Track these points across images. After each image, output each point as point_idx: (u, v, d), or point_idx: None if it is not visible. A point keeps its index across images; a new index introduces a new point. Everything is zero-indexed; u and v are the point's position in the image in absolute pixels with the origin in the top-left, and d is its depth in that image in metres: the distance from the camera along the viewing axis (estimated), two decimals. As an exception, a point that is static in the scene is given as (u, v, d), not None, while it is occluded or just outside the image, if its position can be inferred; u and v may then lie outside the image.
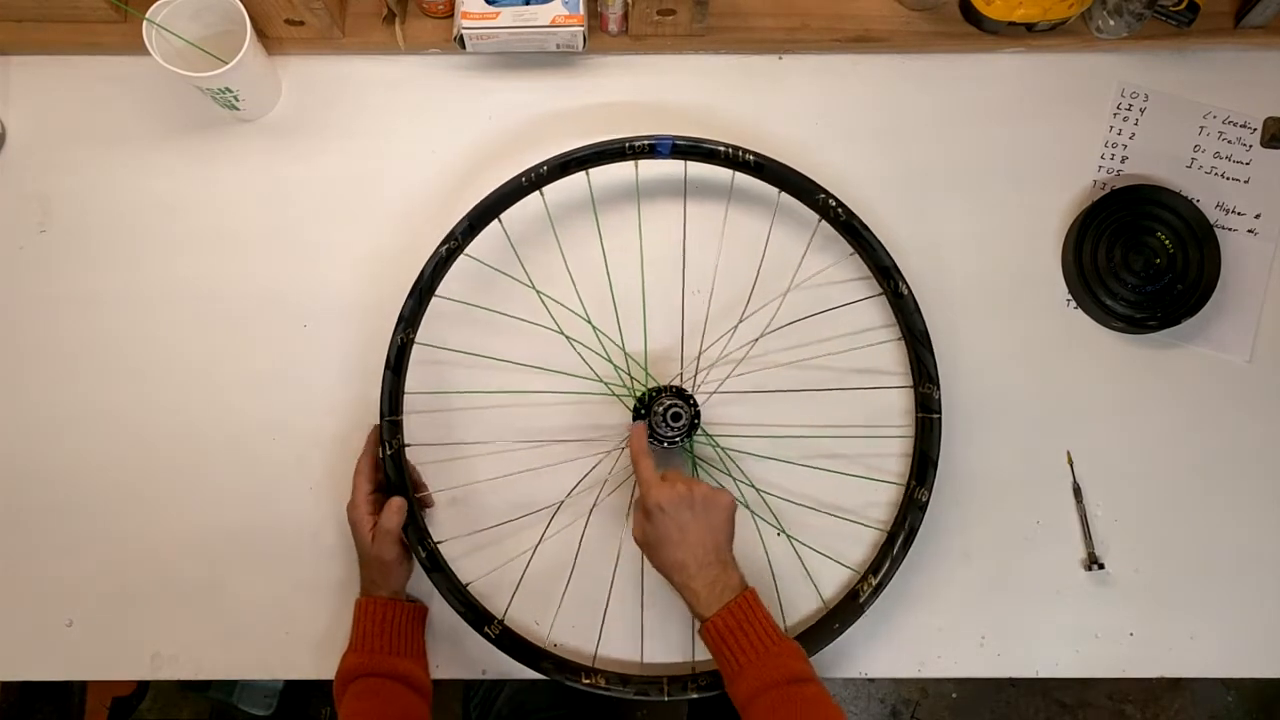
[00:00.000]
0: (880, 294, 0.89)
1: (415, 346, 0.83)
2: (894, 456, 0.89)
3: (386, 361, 0.81)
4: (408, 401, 0.83)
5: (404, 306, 0.82)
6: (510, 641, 0.82)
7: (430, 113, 0.94)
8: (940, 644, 0.87)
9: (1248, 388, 0.91)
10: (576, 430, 0.88)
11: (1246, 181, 0.94)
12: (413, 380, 0.84)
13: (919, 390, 0.86)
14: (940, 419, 0.85)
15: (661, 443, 0.83)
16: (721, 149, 0.84)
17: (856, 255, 0.88)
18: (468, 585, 0.84)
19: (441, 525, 0.86)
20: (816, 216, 0.87)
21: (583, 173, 0.85)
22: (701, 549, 0.75)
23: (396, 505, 0.79)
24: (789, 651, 0.73)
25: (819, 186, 0.85)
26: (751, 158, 0.84)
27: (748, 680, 0.71)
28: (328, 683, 0.80)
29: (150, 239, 0.92)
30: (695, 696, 0.81)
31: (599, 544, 0.86)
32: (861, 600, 0.82)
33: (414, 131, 0.94)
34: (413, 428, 0.85)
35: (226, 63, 0.83)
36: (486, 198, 0.83)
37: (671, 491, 0.75)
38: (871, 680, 1.60)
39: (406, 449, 0.83)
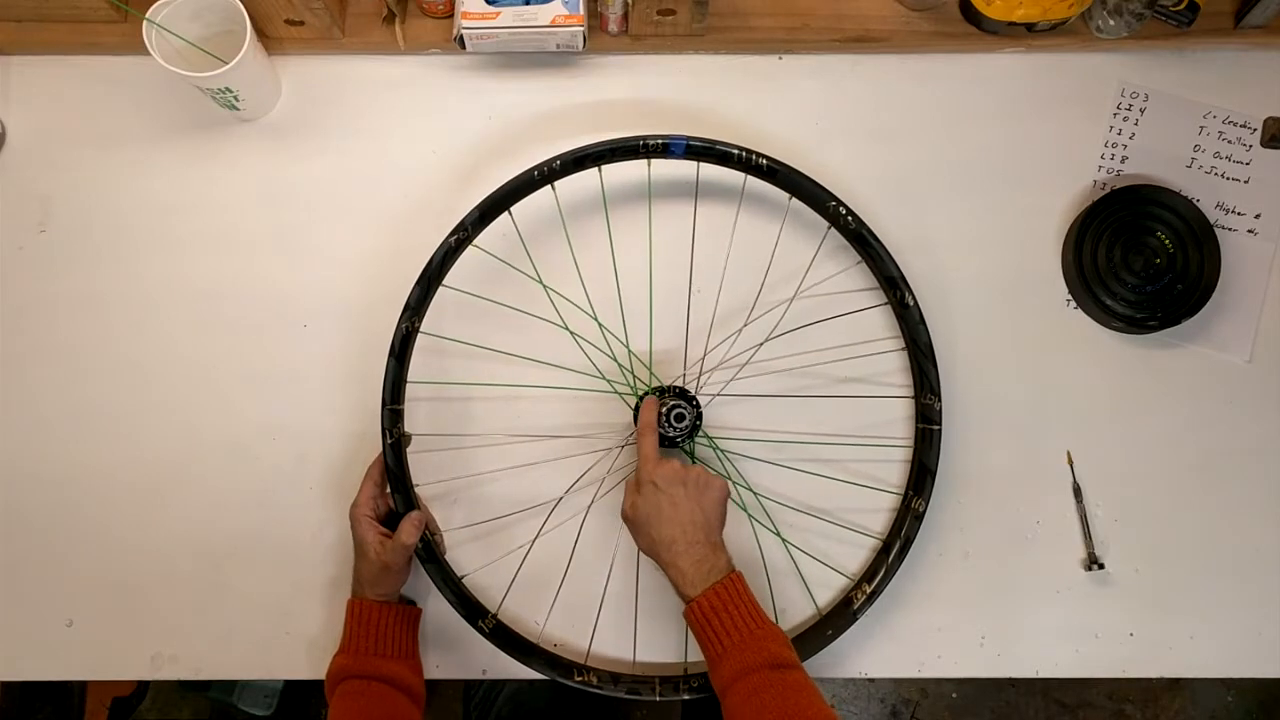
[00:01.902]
0: (885, 304, 0.89)
1: (419, 336, 0.83)
2: (893, 464, 0.88)
3: (391, 349, 0.81)
4: (410, 391, 0.83)
5: (410, 294, 0.82)
6: (503, 636, 0.82)
7: (430, 113, 0.94)
8: (940, 644, 0.87)
9: (1248, 388, 0.91)
10: (577, 427, 0.88)
11: (1246, 181, 0.94)
12: (416, 370, 0.83)
13: (920, 401, 0.86)
14: (940, 431, 0.85)
15: (662, 443, 0.83)
16: (735, 152, 0.84)
17: (863, 264, 0.88)
18: (463, 578, 0.84)
19: (438, 516, 0.86)
20: (825, 223, 0.87)
21: (593, 171, 0.85)
22: (692, 527, 0.74)
23: (415, 521, 0.79)
24: (772, 636, 0.72)
25: (831, 194, 0.85)
26: (765, 162, 0.84)
27: (729, 663, 0.70)
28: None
29: (150, 239, 0.92)
30: (687, 697, 0.81)
31: (595, 542, 0.86)
32: (855, 608, 0.82)
33: (414, 131, 0.94)
34: (414, 418, 0.85)
35: (226, 63, 0.83)
36: (498, 189, 0.83)
37: (667, 467, 0.76)
38: (871, 680, 1.60)
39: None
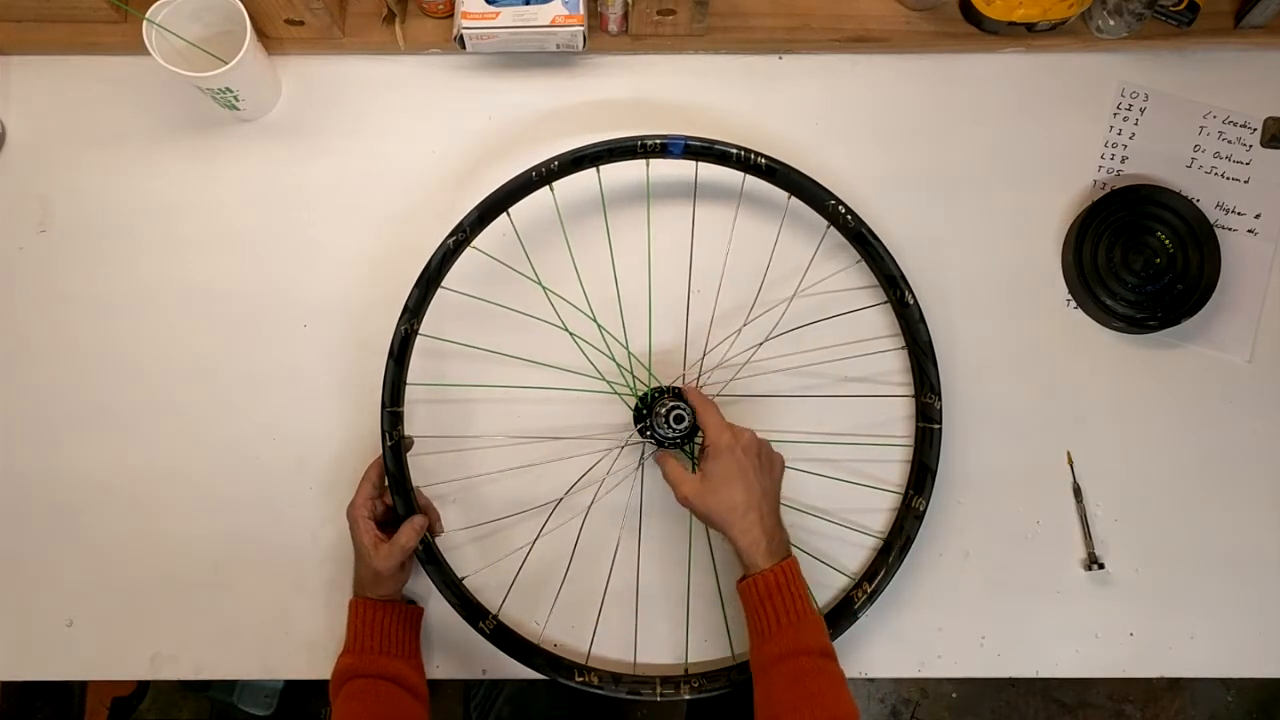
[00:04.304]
0: (885, 302, 0.89)
1: (419, 338, 0.83)
2: (894, 464, 0.88)
3: (390, 351, 0.81)
4: (409, 392, 0.83)
5: (409, 297, 0.82)
6: (504, 638, 0.82)
7: (430, 113, 0.94)
8: (940, 644, 0.87)
9: (1248, 388, 0.91)
10: (576, 428, 0.88)
11: (1246, 181, 0.94)
12: (415, 372, 0.83)
13: (920, 400, 0.86)
14: (940, 429, 0.85)
15: (662, 443, 0.83)
16: (734, 151, 0.84)
17: (863, 263, 0.88)
18: (463, 579, 0.84)
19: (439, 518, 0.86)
20: (824, 222, 0.87)
21: (591, 172, 0.85)
22: (765, 497, 0.75)
23: (417, 525, 0.79)
24: (819, 625, 0.74)
25: (830, 193, 0.85)
26: (764, 161, 0.84)
27: (779, 642, 0.71)
28: (327, 683, 0.80)
29: (150, 239, 0.92)
30: (688, 697, 0.81)
31: (595, 543, 0.86)
32: (856, 607, 0.82)
33: (414, 131, 0.94)
34: (414, 419, 0.85)
35: (226, 63, 0.83)
36: (496, 190, 0.83)
37: (748, 434, 0.77)
38: (871, 680, 1.60)
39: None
